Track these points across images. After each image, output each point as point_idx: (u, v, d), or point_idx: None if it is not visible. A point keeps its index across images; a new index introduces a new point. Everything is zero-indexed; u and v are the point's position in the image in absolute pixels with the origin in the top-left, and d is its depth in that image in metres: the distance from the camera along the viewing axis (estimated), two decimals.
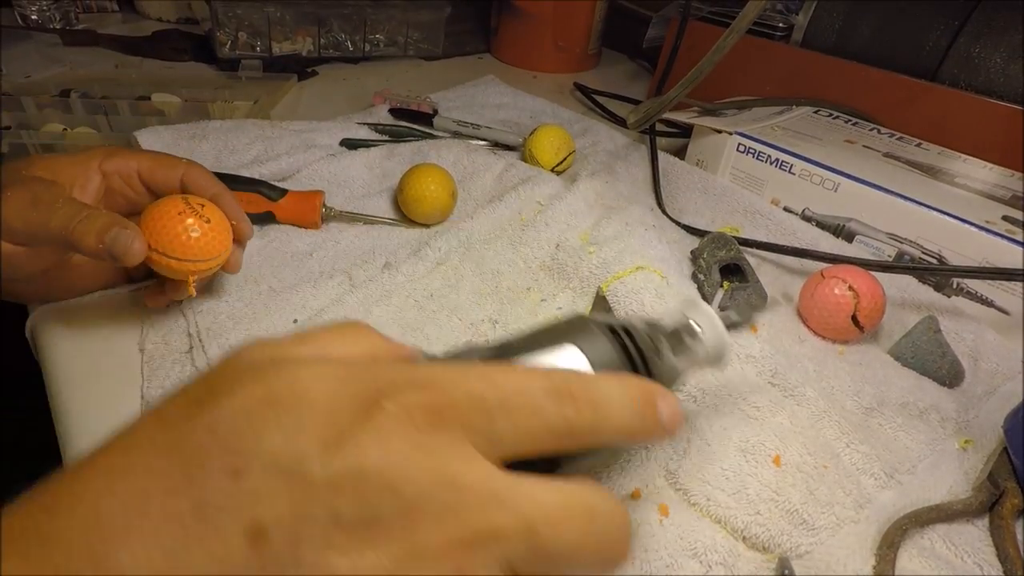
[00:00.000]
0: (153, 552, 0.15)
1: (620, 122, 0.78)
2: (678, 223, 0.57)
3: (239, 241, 0.40)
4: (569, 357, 0.24)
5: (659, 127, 0.71)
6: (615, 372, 0.24)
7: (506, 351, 0.24)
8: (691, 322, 0.29)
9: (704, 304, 0.30)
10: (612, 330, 0.26)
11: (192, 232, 0.36)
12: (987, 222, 0.48)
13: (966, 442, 0.39)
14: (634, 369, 0.25)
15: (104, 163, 0.38)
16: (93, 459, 0.17)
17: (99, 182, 0.38)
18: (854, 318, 0.44)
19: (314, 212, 0.51)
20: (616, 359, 0.25)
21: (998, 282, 0.47)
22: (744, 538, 0.32)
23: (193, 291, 0.38)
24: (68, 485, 0.16)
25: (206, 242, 0.37)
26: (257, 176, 0.54)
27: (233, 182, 0.49)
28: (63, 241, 0.33)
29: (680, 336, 0.29)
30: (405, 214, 0.53)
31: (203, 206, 0.37)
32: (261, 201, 0.50)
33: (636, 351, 0.26)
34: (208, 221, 0.37)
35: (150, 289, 0.41)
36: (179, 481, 0.16)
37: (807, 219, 0.57)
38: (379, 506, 0.16)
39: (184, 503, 0.15)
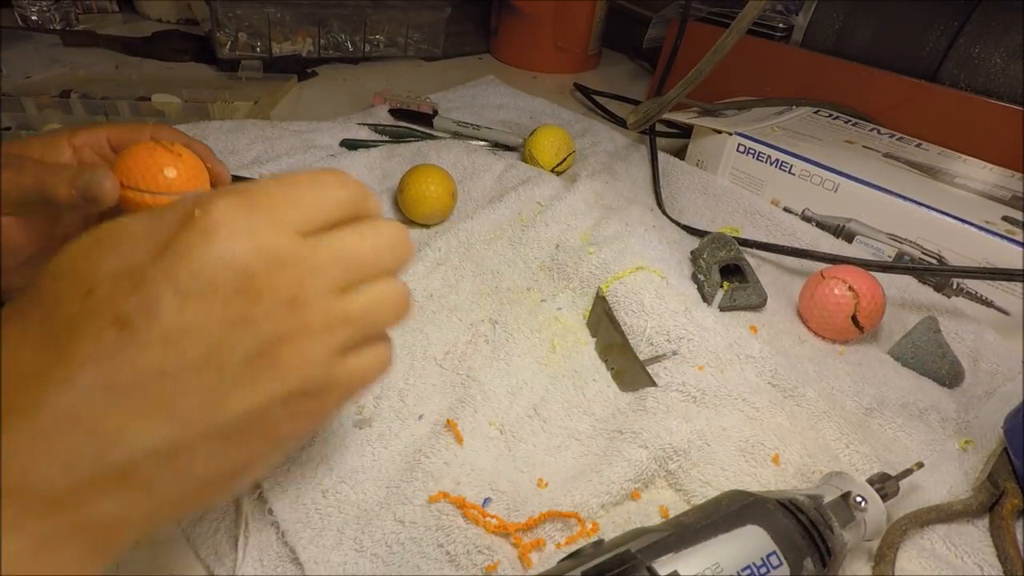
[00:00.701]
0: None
1: (620, 122, 0.78)
2: (678, 223, 0.57)
3: (217, 185, 0.40)
4: (754, 537, 0.26)
5: (659, 127, 0.71)
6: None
7: (684, 535, 0.25)
8: (856, 496, 0.30)
9: (858, 477, 0.31)
10: (783, 505, 0.27)
11: (165, 168, 0.35)
12: (987, 222, 0.48)
13: (966, 442, 0.39)
14: (813, 544, 0.27)
15: (72, 138, 0.38)
16: None
17: (70, 155, 0.38)
18: (854, 318, 0.44)
19: None
20: (797, 536, 0.26)
21: (998, 282, 0.47)
22: None
23: None
24: None
25: (182, 179, 0.36)
26: (257, 177, 0.54)
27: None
28: (38, 195, 0.33)
29: (843, 509, 0.29)
30: (405, 214, 0.53)
31: (174, 145, 0.37)
32: None
33: (811, 526, 0.27)
34: (180, 156, 0.36)
35: None
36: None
37: (807, 219, 0.57)
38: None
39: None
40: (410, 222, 0.54)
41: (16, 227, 0.35)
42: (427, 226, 0.54)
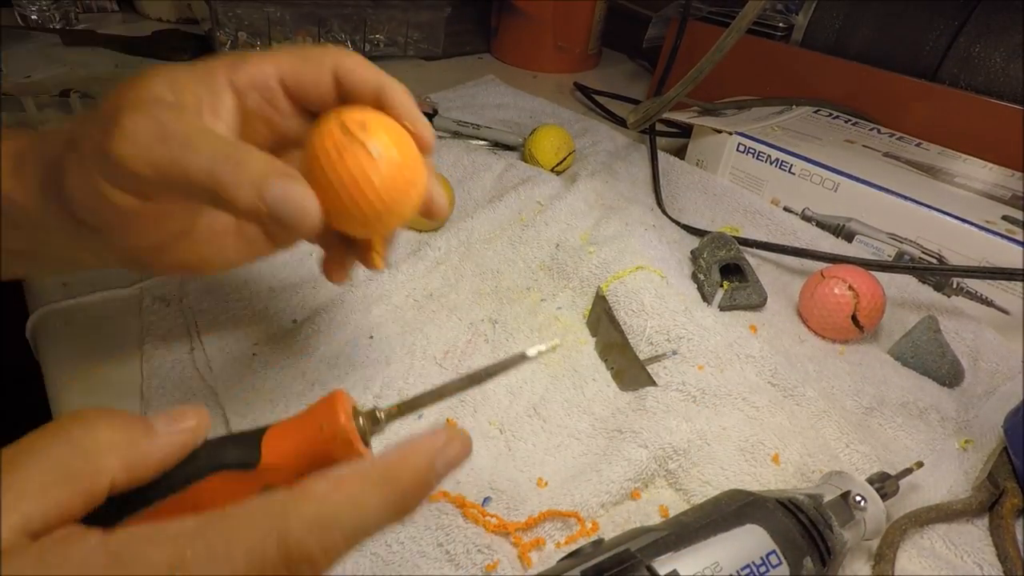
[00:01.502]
0: None
1: (620, 122, 0.78)
2: (678, 223, 0.57)
3: (424, 151, 0.28)
4: (753, 536, 0.25)
5: (659, 127, 0.71)
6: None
7: (683, 534, 0.25)
8: (856, 495, 0.30)
9: (857, 476, 0.31)
10: (782, 504, 0.27)
11: (369, 170, 0.25)
12: (987, 222, 0.48)
13: (966, 442, 0.39)
14: (812, 543, 0.26)
15: (235, 76, 0.27)
16: None
17: (232, 104, 0.27)
18: (854, 318, 0.44)
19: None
20: (797, 535, 0.26)
21: (998, 282, 0.47)
22: None
23: (381, 264, 0.28)
24: None
25: (389, 179, 0.25)
26: None
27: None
28: (206, 193, 0.23)
29: (842, 508, 0.29)
30: None
31: (364, 126, 0.25)
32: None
33: (811, 524, 0.27)
34: (385, 145, 0.25)
35: (329, 260, 0.31)
36: None
37: (807, 219, 0.57)
38: None
39: None
40: (408, 228, 0.54)
41: (147, 212, 0.26)
42: (423, 231, 0.54)
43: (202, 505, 0.21)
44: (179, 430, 0.21)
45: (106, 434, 0.19)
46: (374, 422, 0.23)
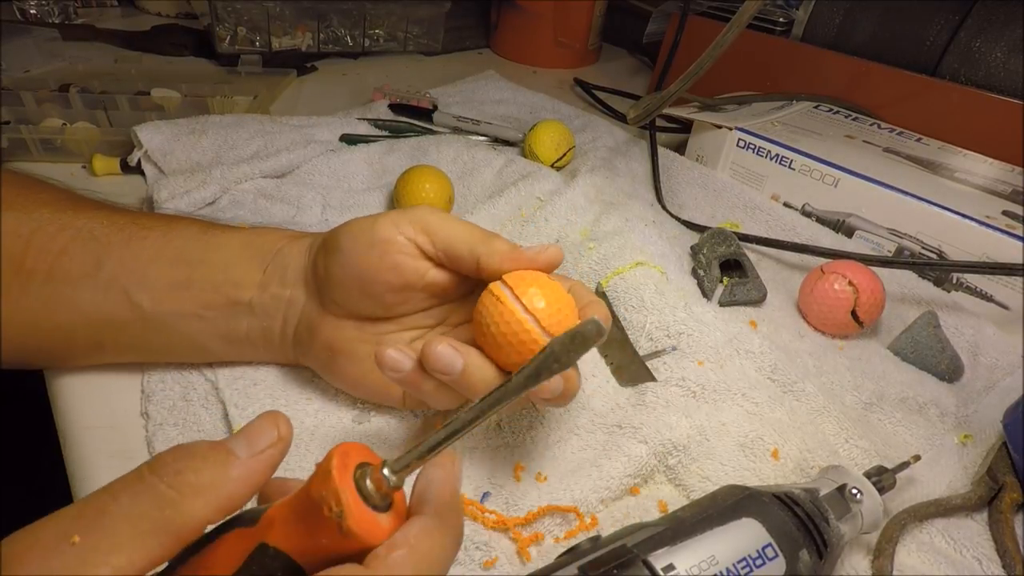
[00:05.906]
0: None
1: (620, 118, 0.77)
2: (678, 219, 0.57)
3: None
4: (749, 530, 0.26)
5: (659, 123, 0.71)
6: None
7: (680, 529, 0.25)
8: (852, 488, 0.30)
9: (854, 470, 0.31)
10: (778, 498, 0.27)
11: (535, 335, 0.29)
12: (987, 217, 0.48)
13: (965, 437, 0.39)
14: (809, 536, 0.26)
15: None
16: None
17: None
18: (854, 313, 0.44)
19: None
20: (793, 528, 0.26)
21: (998, 277, 0.47)
22: None
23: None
24: None
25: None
26: (257, 172, 0.54)
27: None
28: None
29: (838, 501, 0.29)
30: None
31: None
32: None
33: (807, 518, 0.27)
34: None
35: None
36: None
37: (807, 214, 0.57)
38: None
39: None
40: None
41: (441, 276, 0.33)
42: None
43: (218, 562, 0.20)
44: (259, 451, 0.21)
45: (189, 478, 0.19)
46: (382, 486, 0.20)
